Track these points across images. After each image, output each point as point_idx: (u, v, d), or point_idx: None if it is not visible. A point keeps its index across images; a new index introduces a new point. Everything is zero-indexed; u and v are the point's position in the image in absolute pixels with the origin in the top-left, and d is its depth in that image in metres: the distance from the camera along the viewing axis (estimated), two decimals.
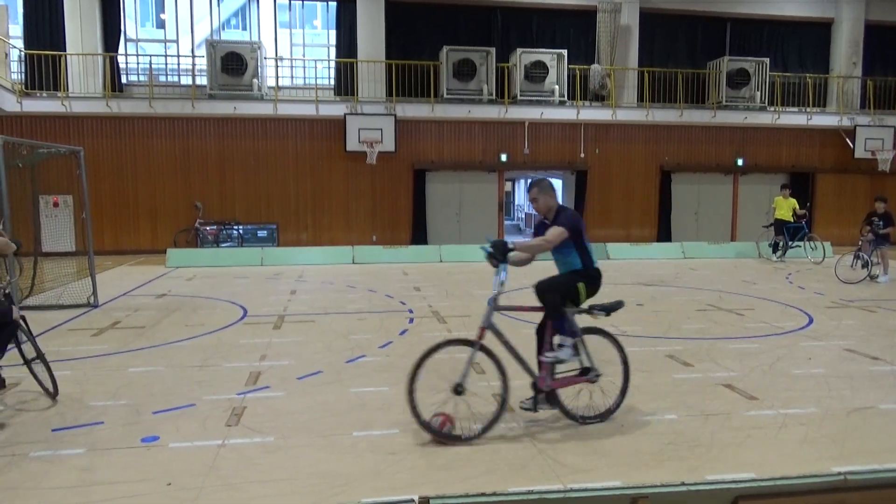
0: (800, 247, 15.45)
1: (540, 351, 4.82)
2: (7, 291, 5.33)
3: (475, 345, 4.51)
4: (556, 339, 4.73)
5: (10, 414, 4.97)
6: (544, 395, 4.70)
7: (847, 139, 19.53)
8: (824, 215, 19.86)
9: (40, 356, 5.28)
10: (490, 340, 4.55)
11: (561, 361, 4.70)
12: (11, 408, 5.09)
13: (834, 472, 3.79)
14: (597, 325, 4.97)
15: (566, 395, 4.88)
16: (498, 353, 4.58)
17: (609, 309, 4.78)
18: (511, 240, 4.68)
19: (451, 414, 4.47)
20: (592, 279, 4.85)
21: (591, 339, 4.88)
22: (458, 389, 4.49)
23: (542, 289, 4.80)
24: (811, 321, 8.52)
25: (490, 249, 4.59)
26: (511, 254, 4.61)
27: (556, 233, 4.65)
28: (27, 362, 5.27)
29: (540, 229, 4.92)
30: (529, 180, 25.84)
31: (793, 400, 5.29)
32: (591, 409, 4.85)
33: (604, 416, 4.80)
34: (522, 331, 5.42)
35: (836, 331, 7.93)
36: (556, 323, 4.74)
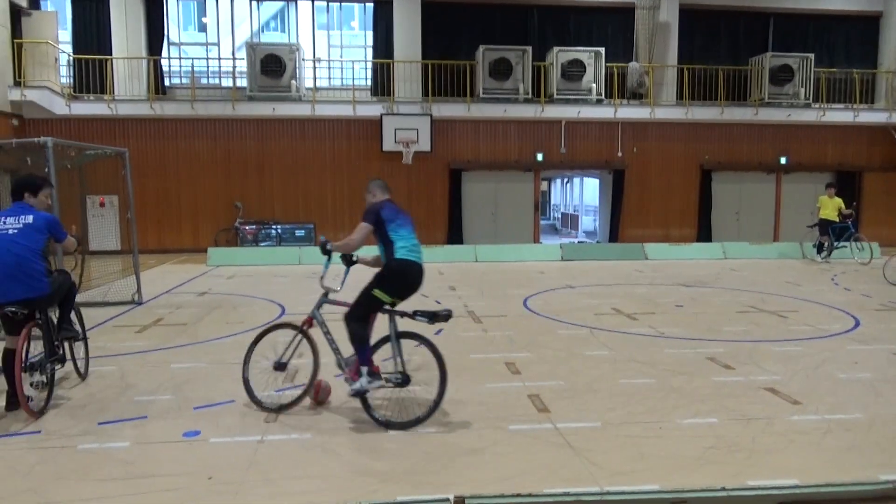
0: (846, 247, 15.01)
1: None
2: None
3: (299, 329, 4.94)
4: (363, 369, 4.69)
5: (59, 407, 5.13)
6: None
7: None
8: (872, 215, 19.24)
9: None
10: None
11: (364, 391, 4.66)
12: (61, 400, 5.26)
13: (882, 481, 3.69)
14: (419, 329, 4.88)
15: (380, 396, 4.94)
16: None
17: (433, 317, 4.71)
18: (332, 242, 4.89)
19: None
20: (389, 278, 4.78)
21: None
22: (279, 367, 4.94)
23: (346, 318, 4.79)
24: (858, 324, 8.27)
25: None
26: (358, 254, 4.99)
27: (357, 229, 4.81)
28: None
29: None
30: (566, 179, 25.47)
31: (838, 405, 5.14)
32: (401, 415, 4.75)
33: (410, 424, 4.62)
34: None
35: (884, 334, 7.68)
36: (357, 354, 4.71)
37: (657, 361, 6.46)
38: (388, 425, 4.66)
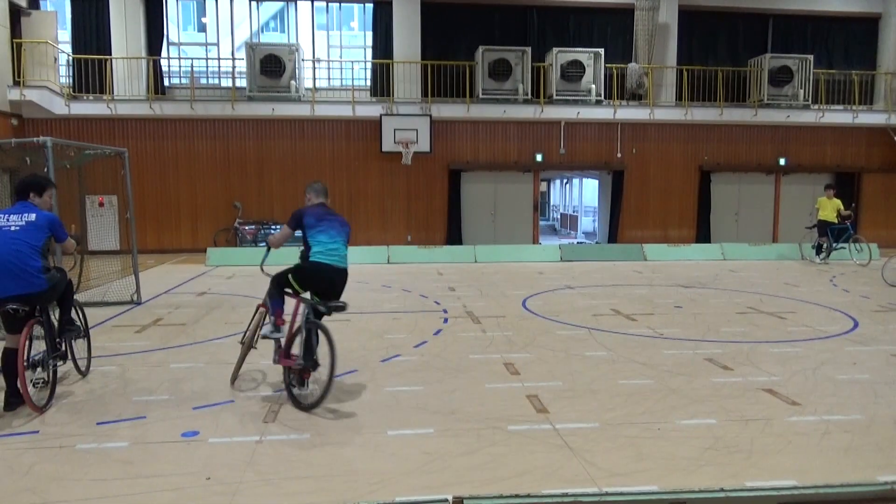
0: (845, 248, 15.03)
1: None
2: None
3: (256, 310, 5.78)
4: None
5: (57, 406, 5.13)
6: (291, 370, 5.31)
7: (895, 137, 18.92)
8: (871, 216, 19.27)
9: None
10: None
11: (266, 336, 5.39)
12: (59, 400, 5.26)
13: (880, 482, 3.69)
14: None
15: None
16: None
17: (331, 307, 5.18)
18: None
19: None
20: (301, 271, 5.37)
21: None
22: (244, 342, 5.78)
23: (271, 281, 5.51)
24: (856, 325, 8.28)
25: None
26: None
27: (281, 230, 5.58)
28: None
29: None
30: (565, 180, 25.74)
31: (837, 406, 5.15)
32: (311, 398, 5.19)
33: (311, 406, 5.03)
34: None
35: (883, 335, 7.69)
36: (271, 305, 5.48)
37: (656, 362, 6.46)
38: (296, 404, 5.11)
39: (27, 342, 4.96)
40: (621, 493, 3.58)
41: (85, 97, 16.76)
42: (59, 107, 16.09)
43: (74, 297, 5.79)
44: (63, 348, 5.49)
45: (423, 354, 6.82)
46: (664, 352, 6.89)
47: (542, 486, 3.73)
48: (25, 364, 4.88)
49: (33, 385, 4.99)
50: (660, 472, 3.97)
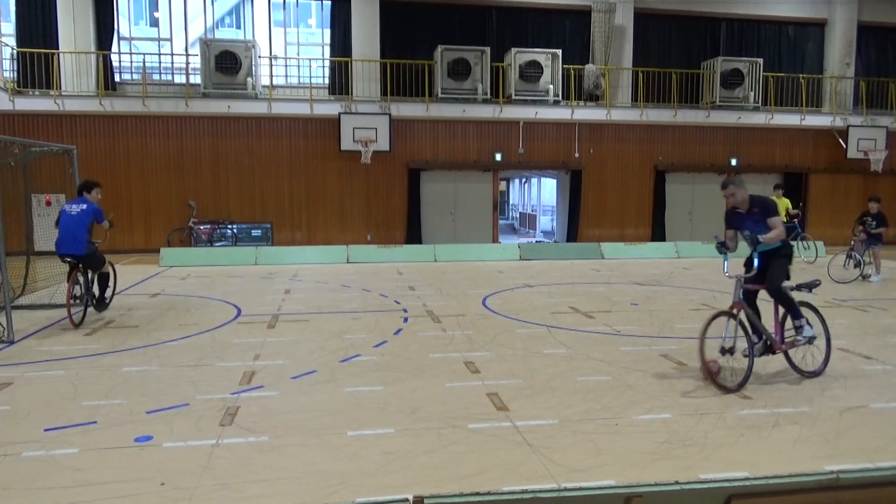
0: (793, 246, 15.51)
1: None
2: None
3: (733, 316, 5.66)
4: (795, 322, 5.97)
5: (2, 414, 4.94)
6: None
7: (840, 139, 19.63)
8: (817, 215, 19.96)
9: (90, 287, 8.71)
10: None
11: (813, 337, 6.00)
12: (4, 406, 5.07)
13: (826, 471, 3.81)
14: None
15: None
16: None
17: (811, 286, 6.03)
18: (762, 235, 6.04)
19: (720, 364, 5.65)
20: (791, 255, 6.18)
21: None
22: (726, 351, 5.57)
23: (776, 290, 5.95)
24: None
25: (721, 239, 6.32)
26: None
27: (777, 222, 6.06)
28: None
29: (733, 219, 6.36)
30: (524, 179, 25.94)
31: (786, 399, 5.31)
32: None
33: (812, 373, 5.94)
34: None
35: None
36: (792, 314, 5.98)
37: (613, 359, 6.57)
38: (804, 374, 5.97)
39: (73, 283, 8.16)
40: (580, 488, 3.62)
41: (31, 92, 16.17)
42: (3, 102, 15.52)
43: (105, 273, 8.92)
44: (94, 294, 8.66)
45: (384, 354, 6.79)
46: (621, 348, 7.01)
47: (502, 484, 3.74)
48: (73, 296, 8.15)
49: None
50: (617, 466, 4.03)
